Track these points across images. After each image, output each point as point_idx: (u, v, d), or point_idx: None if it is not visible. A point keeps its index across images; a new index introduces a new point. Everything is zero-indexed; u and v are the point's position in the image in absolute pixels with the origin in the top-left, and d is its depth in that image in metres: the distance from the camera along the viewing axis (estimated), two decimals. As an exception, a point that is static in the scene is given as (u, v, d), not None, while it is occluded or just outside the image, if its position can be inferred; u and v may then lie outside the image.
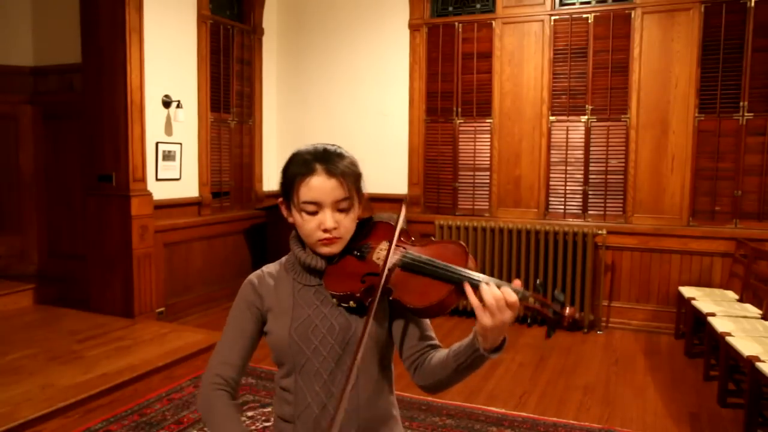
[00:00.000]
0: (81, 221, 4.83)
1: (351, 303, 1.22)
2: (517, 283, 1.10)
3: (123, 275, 4.45)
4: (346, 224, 1.24)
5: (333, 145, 1.29)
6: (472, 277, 1.11)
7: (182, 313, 4.95)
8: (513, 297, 1.06)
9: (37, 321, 4.38)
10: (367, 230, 1.32)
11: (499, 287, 1.07)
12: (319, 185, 1.21)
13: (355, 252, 1.27)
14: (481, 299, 1.07)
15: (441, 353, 1.22)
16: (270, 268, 1.37)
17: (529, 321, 5.00)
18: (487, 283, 1.08)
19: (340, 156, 1.25)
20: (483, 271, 5.17)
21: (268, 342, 1.31)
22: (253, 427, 3.01)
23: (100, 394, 3.14)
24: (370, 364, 1.26)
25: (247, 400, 3.30)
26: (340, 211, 1.23)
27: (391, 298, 1.18)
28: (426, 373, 1.24)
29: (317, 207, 1.22)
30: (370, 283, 1.19)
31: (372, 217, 1.35)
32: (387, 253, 1.19)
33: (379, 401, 1.29)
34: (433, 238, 1.28)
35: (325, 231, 1.22)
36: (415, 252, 1.21)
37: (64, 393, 3.07)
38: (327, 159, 1.22)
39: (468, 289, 1.10)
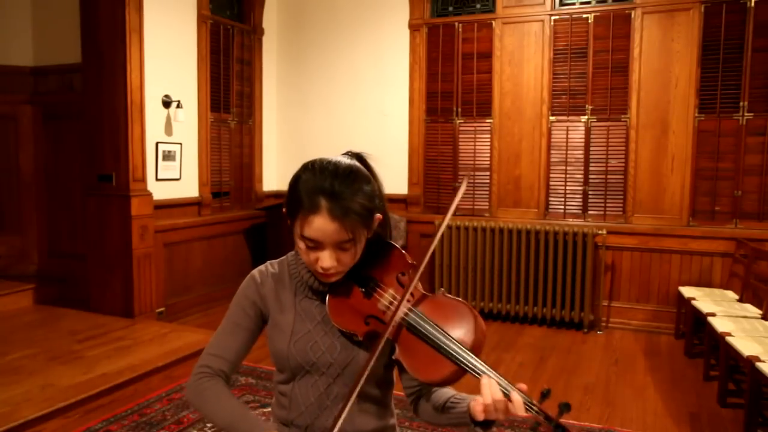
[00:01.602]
0: (81, 221, 4.83)
1: (354, 338, 1.20)
2: (524, 387, 1.05)
3: (123, 275, 4.45)
4: (346, 261, 1.17)
5: (350, 166, 1.16)
6: (479, 369, 1.06)
7: (182, 313, 4.95)
8: (521, 411, 1.02)
9: (37, 321, 4.38)
10: (378, 255, 1.24)
11: (507, 393, 1.04)
12: (320, 227, 1.11)
13: (361, 287, 1.22)
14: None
15: (439, 396, 1.20)
16: (273, 267, 1.32)
17: (529, 320, 5.01)
18: (491, 379, 1.05)
19: (352, 188, 1.12)
20: (483, 272, 5.14)
21: (269, 345, 1.29)
22: (253, 427, 3.00)
23: (100, 394, 3.14)
24: (369, 387, 1.25)
25: (247, 400, 3.30)
26: (342, 249, 1.15)
27: (394, 357, 1.15)
28: (421, 410, 1.24)
29: (317, 244, 1.14)
30: (374, 328, 1.16)
31: (385, 238, 1.27)
32: (392, 315, 1.13)
33: (375, 414, 1.28)
34: (442, 290, 1.21)
35: (323, 269, 1.16)
36: (422, 313, 1.14)
37: (64, 393, 3.07)
38: (335, 195, 1.10)
39: (482, 383, 1.05)
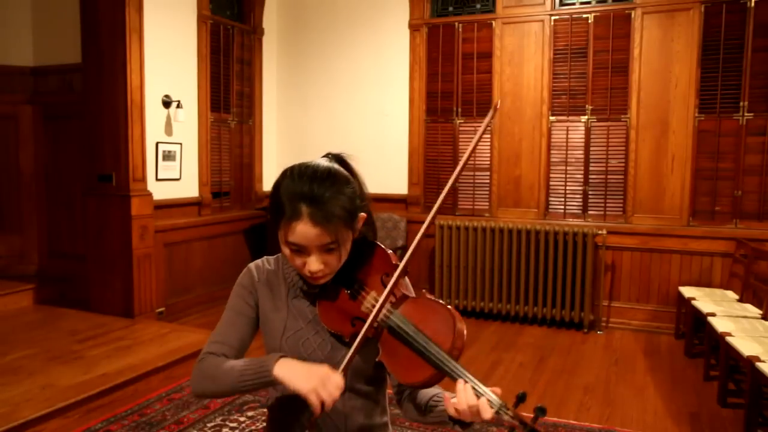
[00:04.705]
0: (81, 221, 4.83)
1: (343, 339, 1.23)
2: (498, 391, 1.05)
3: (123, 275, 4.44)
4: (332, 263, 1.18)
5: (328, 169, 1.18)
6: (456, 373, 1.08)
7: (182, 313, 4.95)
8: (488, 415, 1.02)
9: (37, 321, 4.38)
10: (364, 255, 1.26)
11: (478, 395, 1.04)
12: (303, 233, 1.13)
13: (347, 289, 1.24)
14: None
15: (423, 395, 1.22)
16: (269, 264, 1.34)
17: (529, 320, 5.01)
18: (466, 383, 1.06)
19: (332, 191, 1.14)
20: (483, 272, 5.12)
21: (263, 341, 1.32)
22: (253, 427, 3.01)
23: (100, 394, 3.14)
24: (358, 379, 1.27)
25: (247, 400, 3.30)
26: (328, 251, 1.16)
27: (377, 360, 1.18)
28: (406, 408, 1.26)
29: (302, 248, 1.16)
30: (359, 330, 1.17)
31: (368, 238, 1.29)
32: (371, 316, 1.15)
33: (368, 410, 1.30)
34: (425, 292, 1.22)
35: (310, 272, 1.18)
36: (402, 315, 1.16)
37: (64, 393, 3.07)
38: (315, 200, 1.12)
39: (458, 387, 1.06)
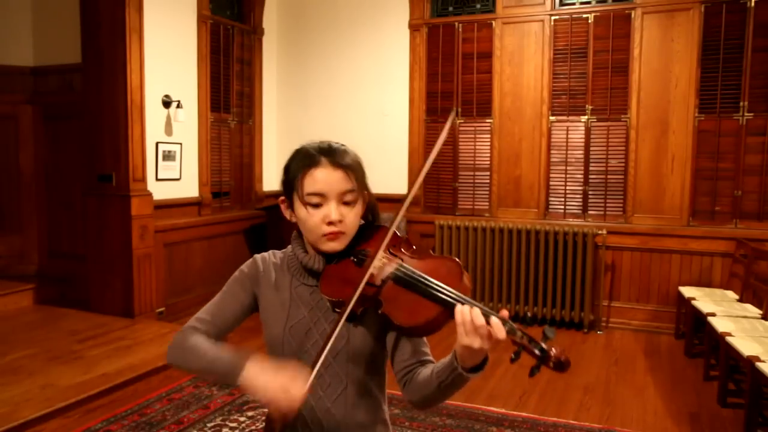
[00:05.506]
0: (81, 221, 4.83)
1: (342, 308, 1.21)
2: (505, 314, 1.06)
3: (123, 275, 4.44)
4: (350, 218, 1.22)
5: (336, 142, 1.29)
6: (463, 300, 1.08)
7: (182, 313, 4.95)
8: (502, 334, 1.03)
9: (37, 321, 4.38)
10: (369, 234, 1.30)
11: (488, 317, 1.04)
12: (324, 177, 1.20)
13: (353, 258, 1.25)
14: (466, 322, 1.05)
15: (428, 369, 1.21)
16: (275, 257, 1.37)
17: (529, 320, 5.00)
18: (473, 307, 1.06)
19: (344, 151, 1.25)
20: (483, 272, 5.12)
21: (264, 334, 1.32)
22: (253, 427, 3.01)
23: (100, 394, 3.15)
24: (358, 371, 1.26)
25: (247, 400, 3.30)
26: (345, 203, 1.22)
27: (380, 312, 1.16)
28: (413, 388, 1.22)
29: (322, 199, 1.20)
30: (363, 293, 1.17)
31: (374, 220, 1.34)
32: (370, 260, 1.16)
33: (368, 406, 1.29)
34: (431, 251, 1.25)
35: (330, 224, 1.20)
36: (410, 266, 1.19)
37: (64, 393, 3.07)
38: (331, 152, 1.23)
39: (456, 309, 1.07)
